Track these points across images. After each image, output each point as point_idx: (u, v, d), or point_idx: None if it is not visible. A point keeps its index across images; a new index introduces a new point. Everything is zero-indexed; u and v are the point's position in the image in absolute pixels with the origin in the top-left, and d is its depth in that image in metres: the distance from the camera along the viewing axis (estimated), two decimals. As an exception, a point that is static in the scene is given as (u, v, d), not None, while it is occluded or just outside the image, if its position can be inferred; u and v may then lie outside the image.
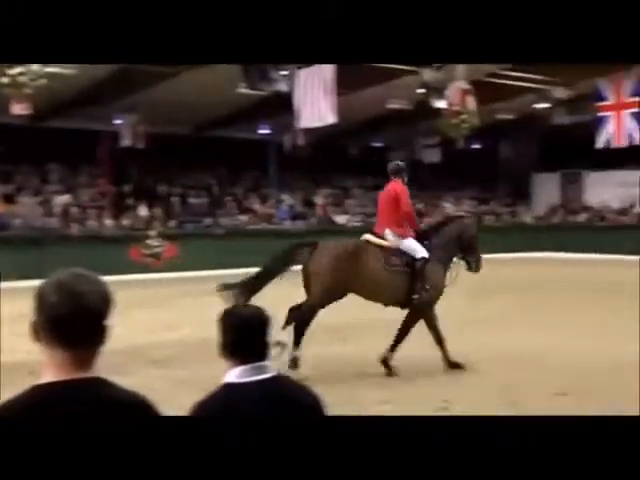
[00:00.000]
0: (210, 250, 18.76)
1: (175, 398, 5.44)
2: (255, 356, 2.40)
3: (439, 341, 7.68)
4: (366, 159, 25.18)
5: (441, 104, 17.93)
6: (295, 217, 21.94)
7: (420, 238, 7.78)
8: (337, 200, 23.76)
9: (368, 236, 7.81)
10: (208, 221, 20.48)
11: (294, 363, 7.14)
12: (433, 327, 7.69)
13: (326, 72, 15.10)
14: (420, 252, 7.60)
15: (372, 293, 7.67)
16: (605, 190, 25.76)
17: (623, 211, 25.08)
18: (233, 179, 23.17)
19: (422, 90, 18.51)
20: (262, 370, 2.39)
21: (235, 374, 2.37)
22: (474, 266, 8.05)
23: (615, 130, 19.73)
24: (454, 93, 17.77)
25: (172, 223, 19.94)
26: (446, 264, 7.84)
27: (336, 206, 23.34)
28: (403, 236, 7.67)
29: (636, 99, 19.17)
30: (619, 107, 19.50)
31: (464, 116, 17.55)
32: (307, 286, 7.58)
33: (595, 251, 22.01)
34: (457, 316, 9.70)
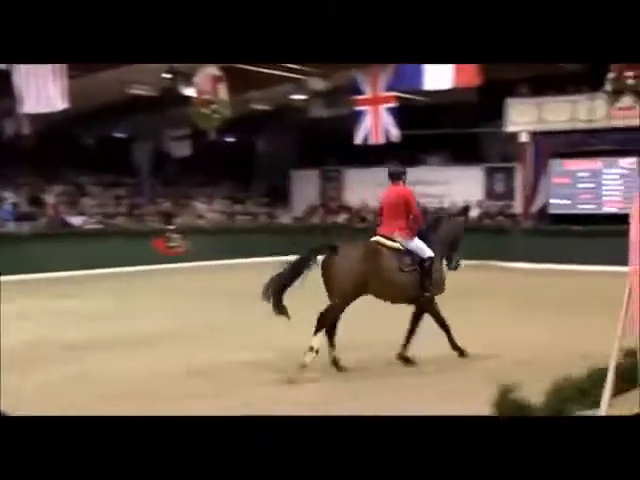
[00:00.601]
0: None
1: None
2: None
3: (446, 330, 8.50)
4: (105, 152, 22.96)
5: (190, 92, 17.12)
6: (20, 218, 19.62)
7: (420, 236, 8.51)
8: (71, 199, 21.47)
9: (378, 238, 8.41)
10: None
11: (335, 364, 8.00)
12: (438, 318, 8.48)
13: (54, 51, 12.86)
14: (427, 252, 8.39)
15: (387, 293, 8.36)
16: (365, 189, 25.20)
17: (382, 211, 24.94)
18: (-60, 173, 19.83)
19: (169, 75, 17.68)
20: None
21: None
22: (455, 265, 8.93)
23: (373, 126, 19.22)
24: (204, 80, 16.87)
25: None
26: (442, 258, 8.74)
27: (70, 205, 21.08)
28: (411, 238, 8.39)
29: (392, 93, 18.65)
30: (376, 101, 18.98)
31: (215, 105, 16.71)
32: (330, 288, 8.05)
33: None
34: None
